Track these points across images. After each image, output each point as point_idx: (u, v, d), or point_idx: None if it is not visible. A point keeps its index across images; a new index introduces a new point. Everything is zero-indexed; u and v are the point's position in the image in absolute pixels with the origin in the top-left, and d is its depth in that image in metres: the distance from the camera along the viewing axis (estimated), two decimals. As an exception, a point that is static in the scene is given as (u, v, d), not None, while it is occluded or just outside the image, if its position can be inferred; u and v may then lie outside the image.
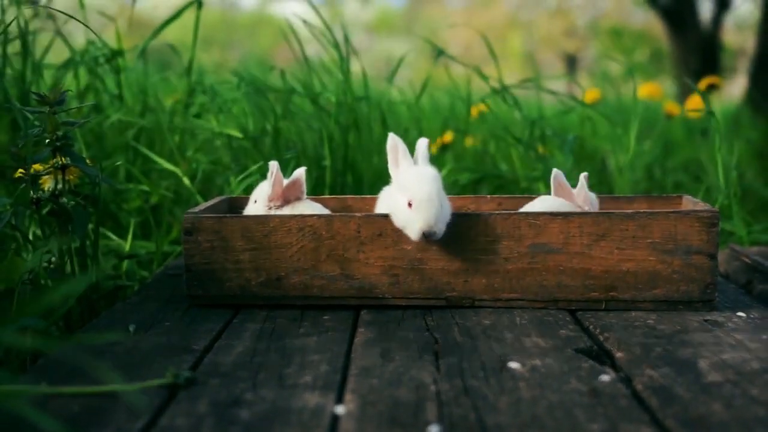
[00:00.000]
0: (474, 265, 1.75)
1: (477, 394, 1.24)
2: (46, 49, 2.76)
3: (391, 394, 1.25)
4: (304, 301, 1.78)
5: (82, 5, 2.78)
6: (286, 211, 1.93)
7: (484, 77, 3.09)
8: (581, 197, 1.92)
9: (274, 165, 1.92)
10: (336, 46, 2.90)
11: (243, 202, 2.11)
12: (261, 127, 2.91)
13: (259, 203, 1.96)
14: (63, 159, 1.79)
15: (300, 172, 1.98)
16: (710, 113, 2.45)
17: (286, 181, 1.95)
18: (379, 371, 1.36)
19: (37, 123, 1.93)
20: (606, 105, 4.55)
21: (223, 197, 2.11)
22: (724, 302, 1.81)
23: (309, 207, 1.94)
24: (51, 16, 2.89)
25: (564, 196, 1.94)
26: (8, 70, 2.51)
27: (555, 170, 1.96)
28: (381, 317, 1.71)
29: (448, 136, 3.43)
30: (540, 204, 1.95)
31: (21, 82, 2.50)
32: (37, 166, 1.77)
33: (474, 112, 3.48)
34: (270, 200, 1.94)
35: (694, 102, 3.88)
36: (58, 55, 2.97)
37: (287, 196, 1.96)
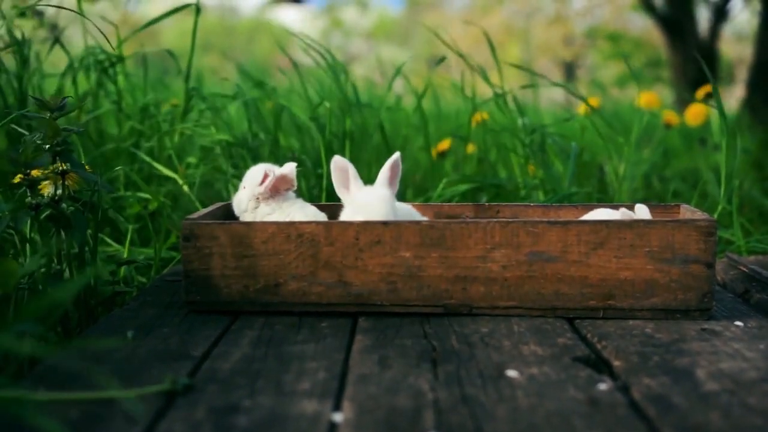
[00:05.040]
0: (472, 272, 1.75)
1: (475, 402, 1.24)
2: (38, 55, 2.76)
3: (389, 401, 1.25)
4: (302, 308, 1.79)
5: (81, 11, 2.79)
6: (275, 208, 1.94)
7: (489, 81, 3.09)
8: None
9: (275, 170, 1.96)
10: (331, 55, 2.91)
11: (242, 208, 2.12)
12: (258, 134, 2.92)
13: (247, 190, 1.98)
14: (63, 165, 1.79)
15: (290, 167, 2.00)
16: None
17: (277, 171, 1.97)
18: (377, 379, 1.36)
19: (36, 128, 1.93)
20: (604, 113, 4.56)
21: (221, 203, 2.11)
22: (722, 311, 1.82)
23: (302, 209, 1.95)
24: (54, 25, 2.90)
25: None
26: (6, 76, 2.52)
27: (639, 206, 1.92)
28: (379, 324, 1.71)
29: (446, 144, 3.43)
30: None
31: (20, 88, 2.50)
32: (36, 172, 1.77)
33: (474, 119, 3.49)
34: (259, 195, 1.96)
35: (693, 111, 3.88)
36: (58, 62, 2.98)
37: (275, 188, 1.97)
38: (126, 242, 2.41)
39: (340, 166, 1.91)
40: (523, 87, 3.22)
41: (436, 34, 3.13)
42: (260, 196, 1.96)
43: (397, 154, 1.94)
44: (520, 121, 3.10)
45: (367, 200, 1.84)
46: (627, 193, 3.18)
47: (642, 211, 1.91)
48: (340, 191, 1.93)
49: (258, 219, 1.94)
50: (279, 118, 2.93)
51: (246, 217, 1.98)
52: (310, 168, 2.83)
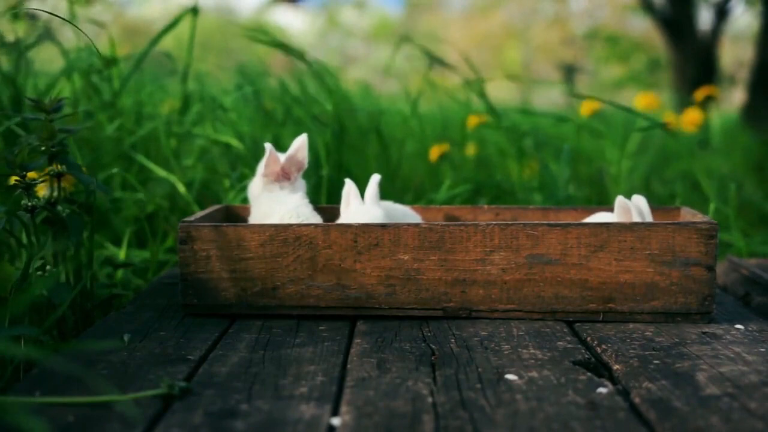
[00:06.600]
0: (471, 275, 1.74)
1: (474, 406, 1.23)
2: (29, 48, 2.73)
3: (388, 405, 1.24)
4: (300, 311, 1.78)
5: (73, 13, 2.78)
6: (275, 199, 1.94)
7: (482, 93, 3.08)
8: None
9: (268, 146, 1.95)
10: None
11: (240, 210, 2.11)
12: (259, 135, 2.91)
13: (258, 175, 2.00)
14: (58, 166, 1.78)
15: (302, 139, 2.00)
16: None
17: (284, 155, 1.96)
18: (376, 382, 1.35)
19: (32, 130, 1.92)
20: (603, 115, 4.56)
21: (219, 206, 2.10)
22: (722, 314, 1.81)
23: (295, 210, 1.93)
24: (47, 28, 2.89)
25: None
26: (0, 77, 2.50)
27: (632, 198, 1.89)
28: (377, 328, 1.70)
29: (444, 147, 3.42)
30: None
31: (14, 89, 2.48)
32: (32, 174, 1.76)
33: (472, 122, 3.48)
34: (264, 176, 1.96)
35: (690, 117, 3.88)
36: (51, 64, 2.96)
37: (288, 170, 1.96)
38: (123, 244, 2.40)
39: (346, 190, 1.98)
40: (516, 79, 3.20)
41: (429, 53, 3.13)
42: (266, 181, 1.96)
43: (377, 176, 2.00)
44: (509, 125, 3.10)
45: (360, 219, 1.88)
46: (626, 195, 3.17)
47: (640, 202, 1.88)
48: (343, 208, 1.98)
49: (263, 206, 1.94)
50: (283, 117, 2.92)
51: (253, 203, 1.99)
52: (311, 169, 2.82)
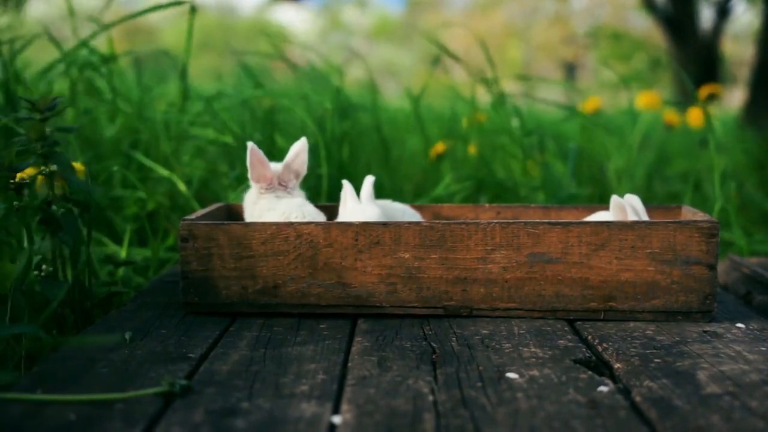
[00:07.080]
0: (472, 274, 1.74)
1: (475, 405, 1.23)
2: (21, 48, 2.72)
3: (389, 404, 1.24)
4: (300, 310, 1.77)
5: (71, 12, 2.77)
6: (274, 205, 1.91)
7: (487, 81, 3.08)
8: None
9: (250, 144, 1.92)
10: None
11: (241, 209, 2.10)
12: (253, 135, 2.90)
13: (252, 189, 1.98)
14: (50, 167, 1.77)
15: (301, 144, 1.98)
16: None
17: (279, 164, 1.95)
18: (376, 381, 1.35)
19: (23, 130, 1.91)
20: (605, 114, 4.55)
21: (220, 204, 2.10)
22: (723, 313, 1.81)
23: (299, 208, 1.90)
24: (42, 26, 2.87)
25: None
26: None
27: (628, 196, 1.88)
28: (378, 326, 1.70)
29: (443, 146, 3.42)
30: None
31: (8, 88, 2.47)
32: (30, 171, 1.75)
33: (472, 120, 3.48)
34: (256, 181, 1.94)
35: (696, 113, 3.87)
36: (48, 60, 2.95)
37: (286, 178, 1.95)
38: (124, 242, 2.40)
39: (343, 192, 1.97)
40: (520, 78, 3.20)
41: (438, 44, 3.11)
42: (261, 189, 1.95)
43: (371, 177, 2.00)
44: (515, 122, 3.08)
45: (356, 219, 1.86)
46: (627, 193, 3.17)
47: (633, 200, 1.88)
48: (341, 209, 1.97)
49: (257, 214, 1.93)
50: (273, 117, 2.91)
51: (247, 210, 1.97)
52: (310, 168, 2.82)
